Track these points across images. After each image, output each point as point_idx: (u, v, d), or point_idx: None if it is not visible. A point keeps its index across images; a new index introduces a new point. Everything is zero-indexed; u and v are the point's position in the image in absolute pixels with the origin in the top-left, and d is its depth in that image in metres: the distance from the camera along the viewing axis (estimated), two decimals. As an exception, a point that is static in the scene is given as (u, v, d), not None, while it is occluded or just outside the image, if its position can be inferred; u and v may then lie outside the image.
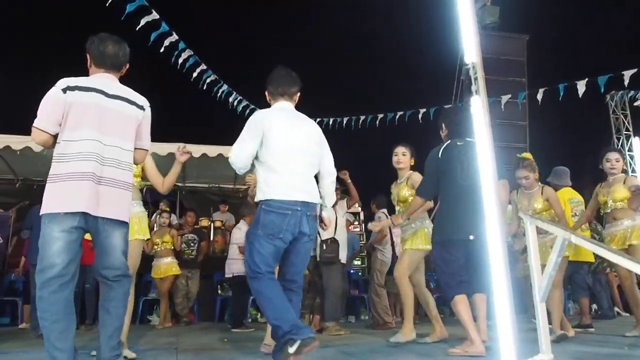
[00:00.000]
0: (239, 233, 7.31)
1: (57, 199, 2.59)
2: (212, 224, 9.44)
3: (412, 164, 4.96)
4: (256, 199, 3.34)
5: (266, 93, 3.62)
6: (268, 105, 3.60)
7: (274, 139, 3.29)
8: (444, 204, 4.01)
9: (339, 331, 5.71)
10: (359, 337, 5.49)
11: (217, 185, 10.50)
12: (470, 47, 2.25)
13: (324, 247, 5.97)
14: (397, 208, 4.99)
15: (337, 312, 6.01)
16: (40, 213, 2.62)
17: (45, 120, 2.69)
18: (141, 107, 2.92)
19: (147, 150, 3.04)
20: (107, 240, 2.72)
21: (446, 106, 11.68)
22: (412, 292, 4.74)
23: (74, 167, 2.62)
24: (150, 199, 10.65)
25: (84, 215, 2.61)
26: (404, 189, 4.82)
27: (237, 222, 8.34)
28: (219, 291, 8.51)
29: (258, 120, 3.36)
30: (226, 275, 7.41)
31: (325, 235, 5.97)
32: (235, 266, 7.13)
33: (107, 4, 6.87)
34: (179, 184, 10.32)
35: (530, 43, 16.01)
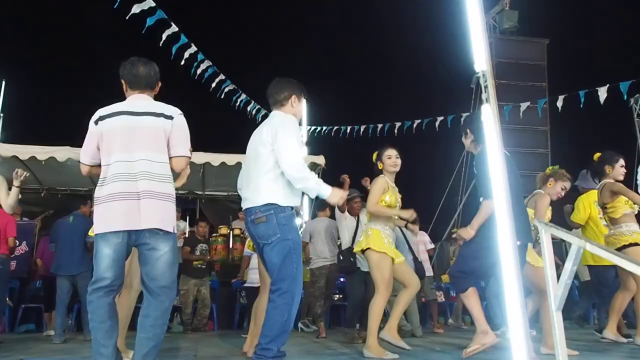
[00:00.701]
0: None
1: (100, 220, 2.83)
2: (231, 232, 9.51)
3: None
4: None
5: (296, 97, 3.64)
6: None
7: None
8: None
9: (354, 338, 5.68)
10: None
11: (236, 193, 10.58)
12: (480, 54, 2.25)
13: (341, 257, 6.05)
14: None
15: (353, 319, 5.99)
16: (94, 233, 2.88)
17: (83, 154, 3.03)
18: (169, 117, 2.97)
19: (185, 157, 3.04)
20: (150, 252, 2.84)
21: (464, 114, 11.63)
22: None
23: (110, 189, 2.82)
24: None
25: (128, 232, 2.80)
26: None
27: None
28: (240, 299, 8.53)
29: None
30: (246, 285, 7.46)
31: (345, 244, 6.04)
32: (252, 276, 7.18)
33: (127, 18, 6.99)
34: (199, 193, 10.43)
35: (551, 47, 15.85)
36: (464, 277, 3.92)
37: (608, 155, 5.17)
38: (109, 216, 2.80)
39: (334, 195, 3.37)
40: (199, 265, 7.89)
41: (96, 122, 2.94)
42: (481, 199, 3.88)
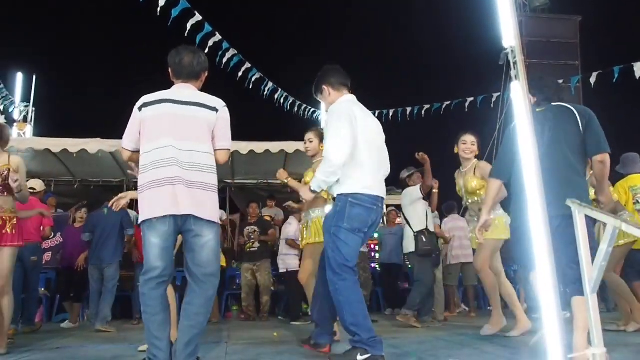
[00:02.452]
0: (290, 228, 7.37)
1: (146, 207, 2.81)
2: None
3: (477, 153, 4.89)
4: (339, 192, 3.25)
5: (325, 87, 3.54)
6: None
7: (361, 133, 3.24)
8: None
9: (412, 322, 5.52)
10: (411, 330, 5.43)
11: (265, 181, 10.60)
12: (508, 30, 2.16)
13: (423, 239, 5.67)
14: (466, 199, 4.91)
15: (415, 303, 5.73)
16: (139, 222, 2.86)
17: (126, 139, 3.01)
18: (214, 109, 2.97)
19: (229, 150, 3.06)
20: (195, 239, 2.83)
21: (495, 94, 11.40)
22: (495, 281, 4.68)
23: (154, 175, 2.80)
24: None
25: (173, 218, 2.77)
26: (473, 180, 4.72)
27: (286, 217, 8.37)
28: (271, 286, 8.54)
29: (346, 111, 3.27)
30: (280, 270, 7.48)
31: (419, 226, 5.77)
32: (290, 261, 7.19)
33: (158, 14, 7.01)
34: (228, 181, 10.49)
35: (583, 24, 15.39)
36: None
37: None
38: (154, 202, 2.78)
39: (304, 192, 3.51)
40: (250, 249, 7.70)
41: (140, 109, 2.93)
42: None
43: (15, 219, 4.06)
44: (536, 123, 3.39)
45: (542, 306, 2.00)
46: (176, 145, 2.82)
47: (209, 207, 2.86)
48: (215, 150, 2.98)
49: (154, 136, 2.86)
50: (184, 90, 3.00)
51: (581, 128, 3.20)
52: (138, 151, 2.97)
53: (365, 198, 3.17)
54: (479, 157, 4.90)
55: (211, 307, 2.95)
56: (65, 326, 6.70)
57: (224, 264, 7.47)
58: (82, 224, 7.17)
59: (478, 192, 4.66)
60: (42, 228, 6.10)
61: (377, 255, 9.87)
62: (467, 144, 4.76)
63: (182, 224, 2.80)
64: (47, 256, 7.92)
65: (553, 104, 3.38)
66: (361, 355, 3.03)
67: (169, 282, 2.88)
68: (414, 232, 5.74)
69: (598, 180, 3.31)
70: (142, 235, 2.86)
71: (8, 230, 3.98)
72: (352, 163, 3.19)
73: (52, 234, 7.48)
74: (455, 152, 4.83)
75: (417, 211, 5.89)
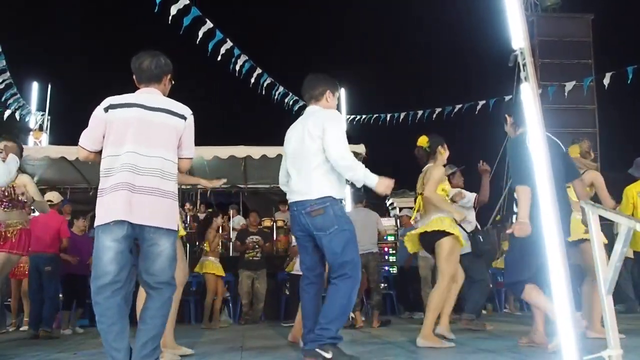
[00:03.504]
0: None
1: (103, 210, 2.72)
2: (274, 224, 9.59)
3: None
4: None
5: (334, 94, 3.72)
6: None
7: (286, 152, 3.67)
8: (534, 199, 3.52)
9: (475, 326, 5.42)
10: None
11: (278, 185, 10.63)
12: (517, 31, 2.17)
13: (481, 239, 5.41)
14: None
15: (479, 305, 5.71)
16: (94, 226, 2.77)
17: (86, 138, 2.90)
18: (182, 117, 2.95)
19: (191, 159, 3.08)
20: (151, 247, 2.77)
21: (507, 97, 11.34)
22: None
23: (116, 179, 2.73)
24: (215, 201, 10.99)
25: (130, 224, 2.70)
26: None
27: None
28: (286, 291, 8.60)
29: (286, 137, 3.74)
30: (293, 272, 7.53)
31: (469, 227, 5.62)
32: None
33: (169, 22, 7.06)
34: (241, 186, 10.54)
35: (596, 22, 15.26)
36: (519, 284, 3.66)
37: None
38: (112, 206, 2.69)
39: (380, 184, 3.40)
40: (252, 258, 7.90)
41: (106, 110, 2.84)
42: (515, 186, 3.68)
43: (19, 230, 4.35)
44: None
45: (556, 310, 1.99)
46: (140, 152, 2.78)
47: (167, 216, 2.81)
48: (179, 158, 2.97)
49: (120, 140, 2.79)
50: (150, 95, 2.96)
51: (564, 159, 3.84)
52: (97, 152, 2.91)
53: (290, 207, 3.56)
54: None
55: (168, 311, 2.87)
56: (67, 332, 6.74)
57: (221, 274, 7.57)
58: (83, 232, 7.25)
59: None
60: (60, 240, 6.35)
61: (394, 258, 9.88)
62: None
63: (139, 232, 2.74)
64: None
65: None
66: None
67: (126, 290, 2.74)
68: (468, 233, 5.44)
69: (580, 198, 3.82)
70: (95, 241, 2.75)
71: (9, 237, 4.28)
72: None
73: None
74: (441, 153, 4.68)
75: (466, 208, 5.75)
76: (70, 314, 7.05)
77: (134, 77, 3.05)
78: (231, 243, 9.26)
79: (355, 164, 3.36)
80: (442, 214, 4.36)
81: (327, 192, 3.34)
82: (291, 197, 3.50)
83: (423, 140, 4.65)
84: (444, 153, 4.62)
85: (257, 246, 7.95)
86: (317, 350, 3.16)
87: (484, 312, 8.29)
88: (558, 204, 3.18)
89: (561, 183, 3.58)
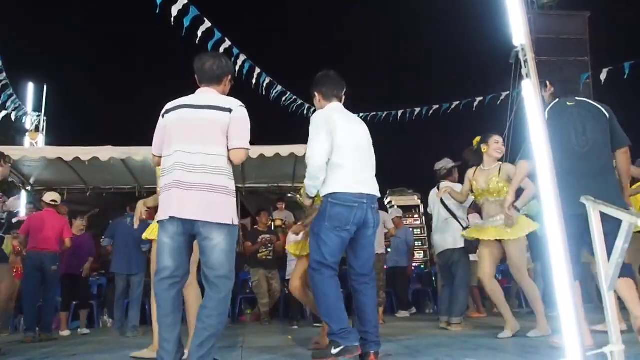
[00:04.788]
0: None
1: (160, 209, 2.92)
2: (272, 223, 9.56)
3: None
4: (322, 193, 3.41)
5: (316, 93, 3.70)
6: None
7: (339, 137, 3.39)
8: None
9: (463, 327, 5.46)
10: (426, 331, 5.42)
11: (275, 184, 10.62)
12: (518, 28, 2.16)
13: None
14: (483, 198, 4.82)
15: (464, 307, 5.80)
16: (156, 221, 2.99)
17: (154, 146, 3.11)
18: (228, 110, 2.98)
19: (245, 149, 3.01)
20: (205, 242, 2.85)
21: (504, 93, 11.33)
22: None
23: (168, 179, 2.89)
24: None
25: (181, 221, 2.82)
26: (499, 181, 4.69)
27: (296, 221, 8.40)
28: (285, 290, 8.58)
29: (324, 120, 3.44)
30: (288, 277, 7.51)
31: (465, 223, 5.72)
32: None
33: (172, 23, 7.02)
34: (239, 185, 10.50)
35: (592, 19, 15.25)
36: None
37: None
38: (165, 204, 2.87)
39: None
40: (265, 257, 7.86)
41: (163, 115, 3.05)
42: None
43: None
44: (571, 118, 3.50)
45: (559, 304, 1.99)
46: (185, 149, 2.88)
47: (217, 209, 2.85)
48: (229, 150, 2.97)
49: (171, 141, 2.94)
50: (204, 94, 3.09)
51: (609, 126, 3.48)
52: None
53: (345, 197, 3.30)
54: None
55: (226, 310, 2.93)
56: (65, 334, 6.77)
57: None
58: (82, 232, 7.27)
59: (500, 192, 4.62)
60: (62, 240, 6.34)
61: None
62: (499, 144, 4.77)
63: (192, 227, 2.84)
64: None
65: (581, 99, 3.45)
66: (335, 348, 3.15)
67: (182, 284, 2.92)
68: (464, 228, 5.50)
69: (621, 174, 3.53)
70: (157, 236, 2.95)
71: None
72: (332, 166, 3.37)
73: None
74: (484, 150, 4.77)
75: (463, 205, 5.71)
76: (66, 316, 7.08)
77: (195, 77, 3.16)
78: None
79: None
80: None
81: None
82: (356, 188, 3.35)
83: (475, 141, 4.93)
84: (487, 149, 4.82)
85: (269, 245, 7.89)
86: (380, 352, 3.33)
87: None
88: (604, 176, 3.35)
89: (611, 157, 3.51)
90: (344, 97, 3.73)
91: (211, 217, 2.83)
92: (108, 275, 7.99)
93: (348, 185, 3.32)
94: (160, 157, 3.06)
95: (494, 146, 4.74)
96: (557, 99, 3.65)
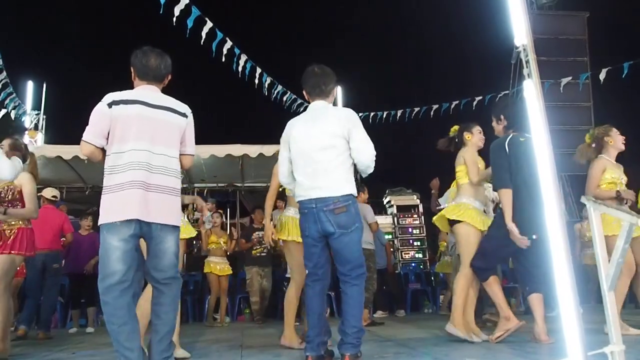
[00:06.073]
0: None
1: (111, 209, 2.72)
2: (271, 222, 9.54)
3: None
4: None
5: (304, 93, 3.65)
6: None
7: (294, 149, 3.50)
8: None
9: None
10: (425, 330, 5.42)
11: (275, 183, 10.60)
12: (520, 28, 2.17)
13: None
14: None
15: None
16: (99, 224, 2.76)
17: (92, 133, 2.82)
18: (184, 115, 3.01)
19: (193, 155, 3.14)
20: (159, 245, 2.82)
21: (503, 92, 11.34)
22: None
23: (125, 177, 2.74)
24: (208, 199, 10.95)
25: (139, 222, 2.72)
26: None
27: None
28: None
29: (284, 134, 3.59)
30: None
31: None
32: None
33: (173, 23, 6.99)
34: (238, 184, 10.51)
35: (591, 20, 15.26)
36: (487, 269, 4.17)
37: None
38: (120, 205, 2.71)
39: None
40: (259, 254, 7.85)
41: (109, 105, 2.82)
42: (497, 189, 4.11)
43: (17, 229, 4.25)
44: (525, 152, 3.82)
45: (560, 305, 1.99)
46: (150, 149, 2.82)
47: (174, 213, 2.88)
48: (181, 155, 3.02)
49: (127, 137, 2.80)
50: (152, 92, 2.97)
51: None
52: (102, 148, 2.87)
53: (301, 205, 3.44)
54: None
55: (178, 304, 2.96)
56: (72, 332, 6.81)
57: (229, 272, 7.64)
58: (88, 232, 7.27)
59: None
60: (63, 235, 6.38)
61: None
62: (482, 133, 4.75)
63: (145, 230, 2.77)
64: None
65: (530, 136, 3.53)
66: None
67: (133, 288, 2.76)
68: None
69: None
70: (101, 239, 2.74)
71: (9, 237, 4.19)
72: (295, 179, 3.51)
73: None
74: (467, 138, 4.70)
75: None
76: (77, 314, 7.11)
77: (132, 71, 3.04)
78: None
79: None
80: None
81: (350, 190, 3.35)
82: (306, 194, 3.39)
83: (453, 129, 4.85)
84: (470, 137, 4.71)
85: (262, 242, 7.78)
86: (359, 353, 3.23)
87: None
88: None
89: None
90: (333, 90, 3.61)
91: (170, 219, 2.84)
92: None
93: (301, 194, 3.42)
94: (99, 148, 2.84)
95: (478, 136, 4.73)
96: (512, 134, 4.12)
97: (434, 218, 4.82)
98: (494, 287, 4.16)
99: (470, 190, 4.46)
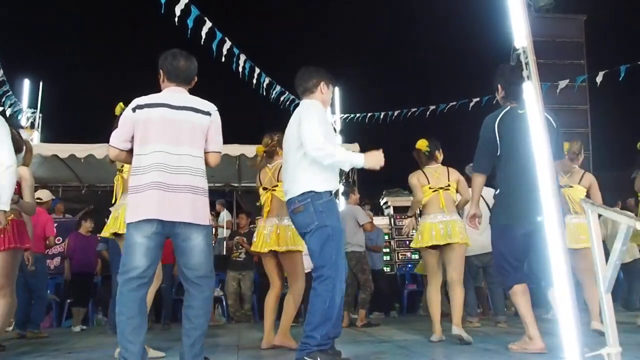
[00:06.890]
0: None
1: (135, 208, 2.83)
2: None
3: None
4: None
5: None
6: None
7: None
8: (504, 184, 3.64)
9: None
10: (422, 332, 5.42)
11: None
12: (519, 31, 2.17)
13: None
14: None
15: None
16: (126, 222, 2.87)
17: (116, 137, 2.98)
18: (207, 113, 3.02)
19: (219, 153, 3.13)
20: (185, 242, 2.88)
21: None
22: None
23: (146, 179, 2.83)
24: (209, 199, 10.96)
25: (160, 222, 2.80)
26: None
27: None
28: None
29: None
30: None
31: None
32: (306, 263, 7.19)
33: (176, 23, 6.97)
34: (235, 185, 10.49)
35: (588, 23, 15.32)
36: (509, 273, 3.61)
37: None
38: (143, 205, 2.81)
39: (369, 159, 3.29)
40: (236, 258, 7.85)
41: (133, 110, 2.93)
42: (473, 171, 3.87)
43: (11, 221, 4.02)
44: (521, 126, 3.33)
45: (558, 308, 1.99)
46: (168, 150, 2.87)
47: (196, 210, 2.89)
48: (206, 152, 3.05)
49: (148, 140, 2.89)
50: (177, 94, 3.03)
51: (555, 137, 3.52)
52: (127, 151, 2.99)
53: None
54: None
55: (210, 308, 3.01)
56: (77, 330, 6.78)
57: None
58: (90, 232, 7.28)
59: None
60: (46, 238, 6.27)
61: (388, 258, 9.89)
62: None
63: (169, 229, 2.84)
64: (56, 261, 7.99)
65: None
66: None
67: (150, 285, 2.88)
68: None
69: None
70: (126, 236, 2.87)
71: (6, 230, 3.88)
72: None
73: (61, 239, 7.61)
74: (438, 156, 4.77)
75: None
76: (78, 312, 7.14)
77: (162, 73, 3.09)
78: (225, 241, 9.22)
79: (333, 151, 3.15)
80: None
81: (308, 187, 3.20)
82: (285, 197, 3.42)
83: (423, 144, 4.70)
84: (439, 157, 4.73)
85: (240, 246, 7.80)
86: (305, 359, 3.07)
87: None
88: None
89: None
90: (318, 84, 3.51)
91: (193, 218, 2.87)
92: (103, 273, 7.97)
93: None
94: (125, 151, 2.99)
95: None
96: (509, 106, 3.73)
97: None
98: (518, 299, 3.57)
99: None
